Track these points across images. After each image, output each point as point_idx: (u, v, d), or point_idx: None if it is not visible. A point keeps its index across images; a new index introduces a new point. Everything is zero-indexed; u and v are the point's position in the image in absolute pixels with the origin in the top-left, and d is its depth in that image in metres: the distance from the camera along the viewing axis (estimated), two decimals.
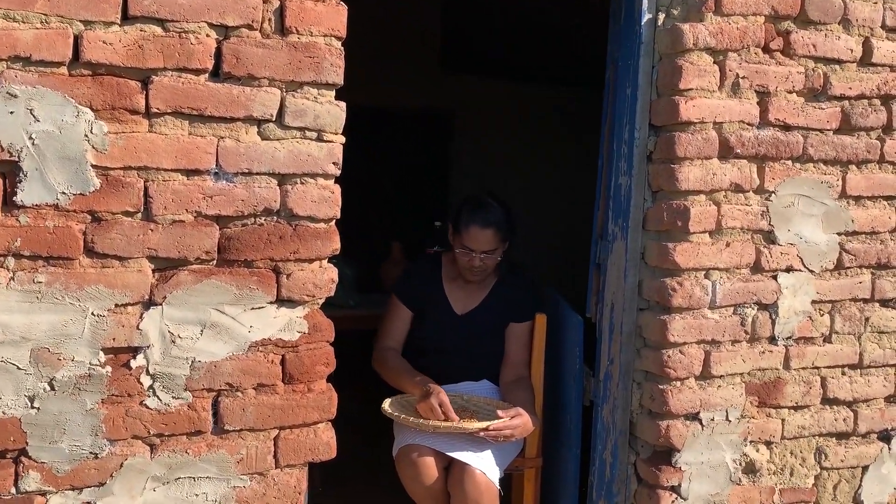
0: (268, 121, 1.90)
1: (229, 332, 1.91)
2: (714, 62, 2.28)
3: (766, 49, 2.32)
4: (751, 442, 2.42)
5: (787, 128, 2.35)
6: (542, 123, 5.47)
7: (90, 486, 1.84)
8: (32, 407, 1.78)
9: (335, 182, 1.99)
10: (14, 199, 1.73)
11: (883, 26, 2.42)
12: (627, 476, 2.45)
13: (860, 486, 2.58)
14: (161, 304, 1.86)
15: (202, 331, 1.89)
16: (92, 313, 1.80)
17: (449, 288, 2.84)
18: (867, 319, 2.51)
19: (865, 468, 2.58)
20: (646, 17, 2.30)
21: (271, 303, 1.94)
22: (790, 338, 2.43)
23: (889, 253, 2.50)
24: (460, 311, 2.81)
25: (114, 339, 1.82)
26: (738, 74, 2.28)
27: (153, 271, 1.85)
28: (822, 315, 2.46)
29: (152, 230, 1.83)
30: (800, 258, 2.41)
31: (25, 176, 1.73)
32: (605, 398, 2.46)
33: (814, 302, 2.44)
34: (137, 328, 1.84)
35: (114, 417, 1.84)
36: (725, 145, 2.29)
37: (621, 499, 2.46)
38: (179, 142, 1.84)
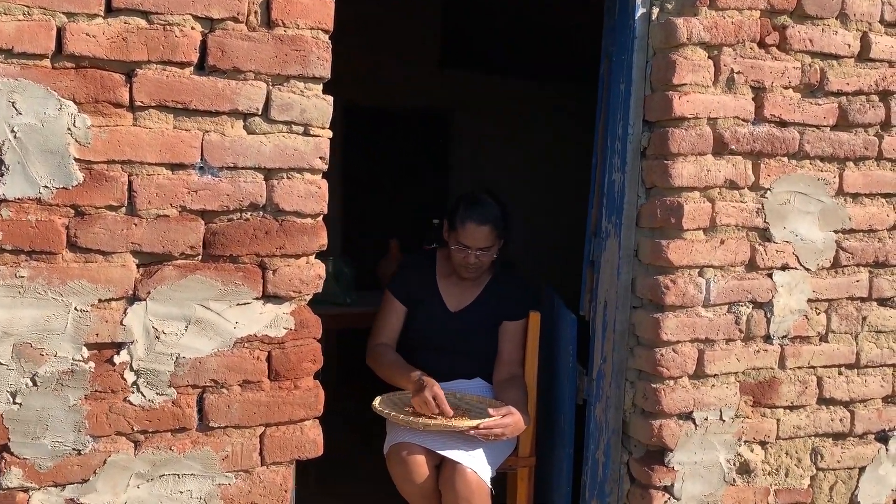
0: (253, 115, 1.88)
1: (214, 328, 1.89)
2: (708, 57, 2.25)
3: (762, 44, 2.29)
4: (745, 442, 2.39)
5: (782, 124, 2.32)
6: (542, 121, 5.44)
7: (73, 483, 1.83)
8: (14, 402, 1.76)
9: (322, 177, 1.97)
10: None
11: (881, 21, 2.39)
12: (620, 476, 2.43)
13: (857, 487, 2.55)
14: (145, 300, 1.84)
15: (187, 326, 1.87)
16: (75, 308, 1.79)
17: (443, 285, 2.81)
18: (864, 318, 2.48)
19: (862, 469, 2.55)
20: (640, 11, 2.27)
21: (257, 298, 1.92)
22: (785, 337, 2.40)
23: (887, 251, 2.47)
24: (454, 309, 2.79)
25: (97, 334, 1.81)
26: (732, 69, 2.25)
27: (137, 266, 1.83)
28: (818, 314, 2.43)
29: (136, 225, 1.82)
30: (795, 256, 2.37)
31: (7, 169, 1.71)
32: (598, 397, 2.43)
33: (810, 300, 2.41)
34: (121, 323, 1.82)
35: (97, 413, 1.82)
36: (720, 141, 2.26)
37: (614, 498, 2.43)
38: (164, 135, 1.82)
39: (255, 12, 1.86)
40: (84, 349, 1.80)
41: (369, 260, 4.29)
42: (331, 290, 3.77)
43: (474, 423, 2.35)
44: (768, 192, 2.33)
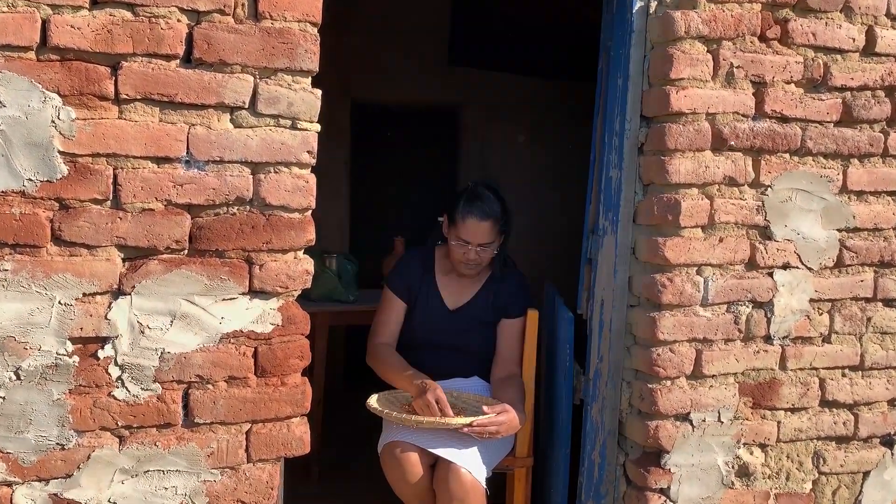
0: (240, 108, 1.86)
1: (200, 324, 1.87)
2: (707, 51, 2.20)
3: (763, 38, 2.24)
4: (744, 444, 2.35)
5: (784, 119, 2.27)
6: (551, 119, 5.39)
7: (57, 478, 1.82)
8: None
9: (311, 171, 1.95)
10: None
11: (888, 14, 2.33)
12: (616, 477, 2.39)
13: (861, 492, 2.49)
14: (130, 294, 1.83)
15: (172, 321, 1.86)
16: (59, 302, 1.78)
17: (442, 282, 2.78)
18: (869, 319, 2.42)
19: (867, 474, 2.49)
20: (637, 5, 2.23)
21: (243, 294, 1.90)
22: (787, 337, 2.35)
23: (893, 250, 2.41)
24: (452, 306, 2.76)
25: (81, 328, 1.80)
26: (732, 64, 2.20)
27: (122, 260, 1.82)
28: (820, 314, 2.37)
29: (121, 218, 1.80)
30: (797, 255, 2.32)
31: None
32: (595, 397, 2.39)
33: (812, 300, 2.35)
34: (106, 318, 1.81)
35: (81, 408, 1.81)
36: (719, 137, 2.22)
37: (610, 500, 2.39)
38: (149, 129, 1.80)
39: (242, 4, 1.84)
40: (68, 343, 1.79)
41: (377, 258, 4.28)
42: (334, 287, 3.77)
43: (468, 420, 2.32)
44: (769, 189, 2.28)
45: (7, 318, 1.75)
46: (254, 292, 1.91)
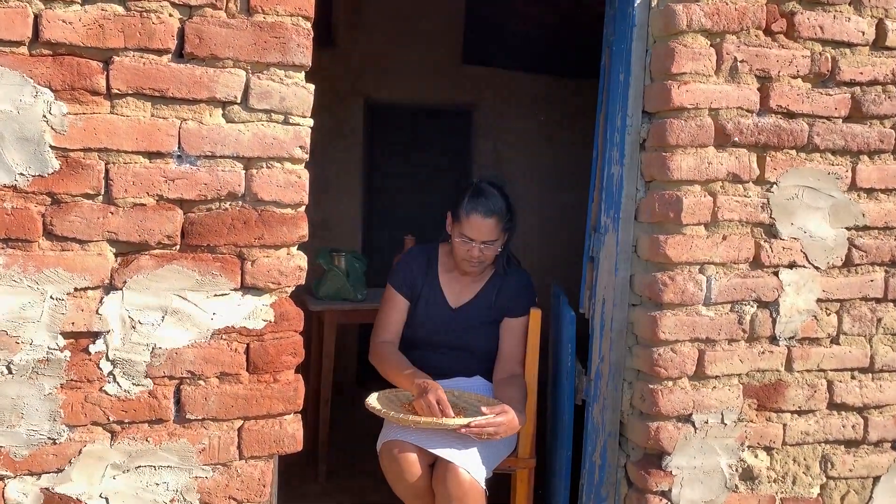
0: (232, 103, 1.85)
1: (191, 319, 1.87)
2: (710, 45, 2.16)
3: (768, 31, 2.19)
4: (749, 447, 2.29)
5: (790, 115, 2.22)
6: (565, 118, 5.35)
7: (49, 472, 1.82)
8: None
9: (304, 167, 1.94)
10: None
11: None
12: (617, 479, 2.35)
13: (871, 497, 2.42)
14: (121, 289, 1.82)
15: (163, 317, 1.85)
16: (51, 297, 1.78)
17: (444, 280, 2.76)
18: (880, 320, 2.36)
19: (877, 479, 2.42)
20: None
21: (235, 290, 1.90)
22: (793, 338, 2.29)
23: None
24: (454, 305, 2.73)
25: (73, 323, 1.80)
26: (736, 58, 2.16)
27: (114, 255, 1.82)
28: (828, 315, 2.31)
29: (112, 213, 1.80)
30: (804, 254, 2.27)
31: None
32: (596, 397, 2.35)
33: (819, 301, 2.30)
34: (97, 313, 1.81)
35: (73, 403, 1.81)
36: (722, 133, 2.17)
37: (611, 502, 2.35)
38: (141, 123, 1.80)
39: None
40: (60, 338, 1.79)
41: (390, 257, 4.26)
42: (342, 286, 3.77)
43: (465, 420, 2.29)
44: (774, 186, 2.23)
45: None
46: (246, 288, 1.90)
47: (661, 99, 2.16)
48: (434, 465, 2.38)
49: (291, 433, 1.97)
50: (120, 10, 1.77)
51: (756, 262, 2.24)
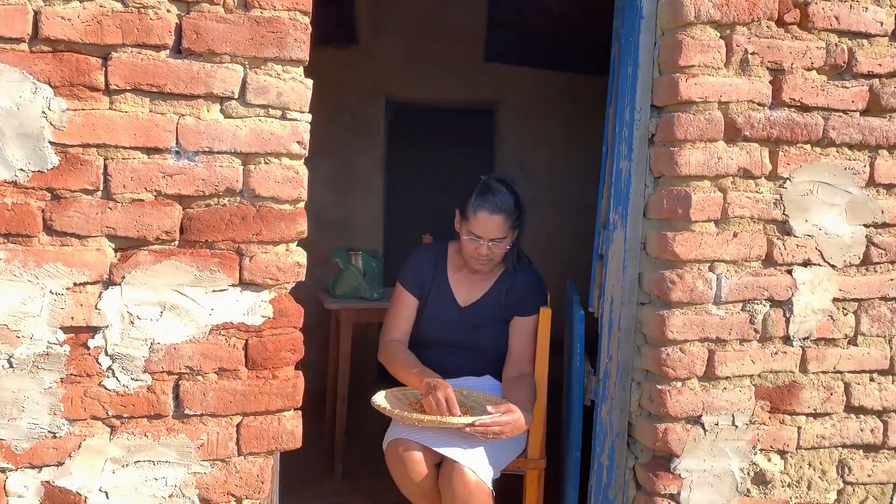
0: (229, 98, 1.85)
1: (189, 315, 1.87)
2: (720, 37, 2.10)
3: (781, 22, 2.12)
4: (761, 450, 2.23)
5: (804, 108, 2.15)
6: (588, 115, 5.29)
7: (49, 466, 1.83)
8: None
9: (302, 163, 1.93)
10: None
11: None
12: (625, 481, 2.30)
13: (891, 503, 2.34)
14: (120, 284, 1.83)
15: (162, 312, 1.85)
16: (50, 291, 1.79)
17: (453, 278, 2.74)
18: None
19: None
20: None
21: (233, 285, 1.89)
22: (807, 338, 2.22)
23: None
24: (463, 303, 2.71)
25: (72, 317, 1.81)
26: (746, 50, 2.10)
27: (113, 250, 1.83)
28: (845, 314, 2.24)
29: (111, 209, 1.81)
30: (819, 251, 2.20)
31: None
32: (604, 398, 2.31)
33: (836, 300, 2.22)
34: (96, 307, 1.82)
35: (72, 397, 1.83)
36: (732, 127, 2.11)
37: None
38: (139, 119, 1.81)
39: None
40: (59, 332, 1.81)
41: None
42: (358, 284, 3.76)
43: (469, 419, 2.27)
44: (788, 181, 2.17)
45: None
46: (244, 284, 1.90)
47: (669, 92, 2.12)
48: (440, 465, 2.36)
49: (290, 430, 1.97)
50: (118, 6, 1.78)
51: (769, 260, 2.18)
